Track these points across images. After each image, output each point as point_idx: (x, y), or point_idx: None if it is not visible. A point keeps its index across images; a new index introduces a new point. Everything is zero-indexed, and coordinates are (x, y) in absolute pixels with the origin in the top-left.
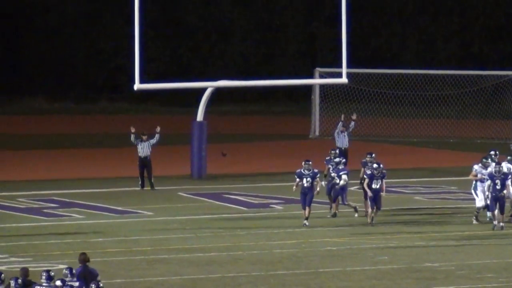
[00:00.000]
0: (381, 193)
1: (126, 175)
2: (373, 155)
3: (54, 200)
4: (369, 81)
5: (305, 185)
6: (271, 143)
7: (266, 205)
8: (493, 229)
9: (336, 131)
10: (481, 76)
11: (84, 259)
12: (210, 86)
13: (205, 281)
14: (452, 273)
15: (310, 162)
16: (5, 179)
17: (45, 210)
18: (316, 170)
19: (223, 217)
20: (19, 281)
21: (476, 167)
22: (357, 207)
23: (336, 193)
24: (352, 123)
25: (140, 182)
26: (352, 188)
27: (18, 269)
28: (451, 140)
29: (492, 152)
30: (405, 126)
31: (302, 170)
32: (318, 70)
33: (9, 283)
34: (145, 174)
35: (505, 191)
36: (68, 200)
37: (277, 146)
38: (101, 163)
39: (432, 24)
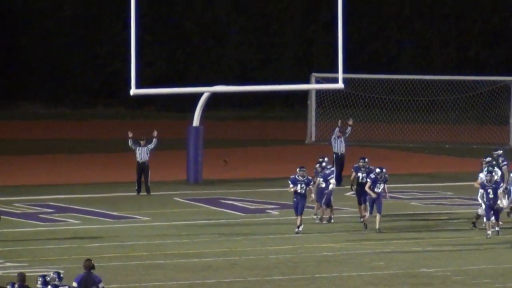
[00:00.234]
0: (386, 197)
1: (122, 180)
2: (366, 160)
3: (50, 205)
4: (366, 87)
5: (299, 191)
6: (267, 149)
7: (262, 211)
8: (487, 238)
9: (333, 136)
10: (477, 81)
11: (88, 265)
12: (206, 91)
13: (201, 287)
14: (448, 279)
15: (305, 169)
16: (1, 184)
17: (41, 215)
18: (310, 177)
19: (219, 223)
20: (16, 286)
21: (481, 175)
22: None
23: (327, 199)
24: (349, 128)
25: (136, 187)
26: (347, 194)
27: (14, 274)
28: (448, 146)
29: (489, 159)
30: (402, 131)
31: (296, 176)
32: (314, 75)
33: None
34: (142, 179)
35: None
36: (64, 205)
37: (273, 151)
38: (97, 168)
39: (429, 29)
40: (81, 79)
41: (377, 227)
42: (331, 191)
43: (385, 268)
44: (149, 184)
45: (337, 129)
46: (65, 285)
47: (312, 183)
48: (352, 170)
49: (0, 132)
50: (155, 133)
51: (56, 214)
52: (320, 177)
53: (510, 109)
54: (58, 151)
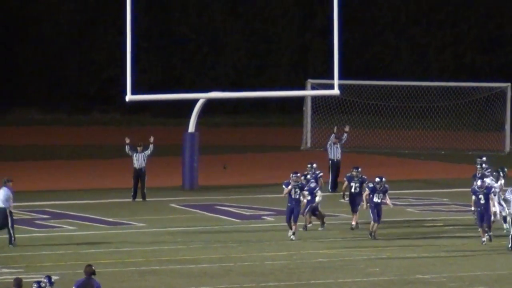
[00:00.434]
0: (390, 205)
1: (117, 186)
2: (359, 169)
3: (46, 211)
4: (361, 93)
5: (293, 196)
6: (263, 155)
7: (258, 217)
8: (482, 244)
9: (329, 143)
10: (473, 87)
11: (89, 271)
12: (202, 97)
13: None
14: (443, 285)
15: (299, 174)
16: None
17: (37, 221)
18: (304, 182)
19: (215, 229)
20: None
21: (488, 180)
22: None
23: (313, 208)
24: (345, 135)
25: (132, 193)
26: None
27: (10, 280)
28: (443, 152)
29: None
30: (397, 137)
31: (290, 181)
32: (310, 81)
33: None
34: (139, 185)
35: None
36: (60, 211)
37: (269, 157)
38: (93, 174)
39: (425, 36)
40: (77, 85)
41: (372, 233)
42: (318, 203)
43: (381, 274)
44: (145, 191)
45: (333, 135)
46: None
47: (305, 188)
48: (345, 179)
49: None
50: (152, 139)
51: (52, 220)
52: (306, 191)
53: (505, 116)
54: (54, 157)
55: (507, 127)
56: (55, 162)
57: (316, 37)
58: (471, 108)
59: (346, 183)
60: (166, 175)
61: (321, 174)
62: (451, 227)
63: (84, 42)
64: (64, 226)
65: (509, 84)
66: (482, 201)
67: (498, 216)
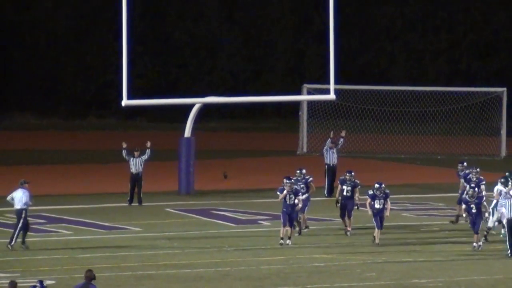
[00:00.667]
0: (387, 213)
1: (114, 191)
2: (352, 173)
3: (42, 215)
4: (357, 98)
5: (288, 202)
6: (259, 160)
7: (254, 221)
8: (478, 249)
9: (325, 147)
10: (469, 93)
11: (89, 276)
12: (198, 102)
13: None
14: None
15: (293, 180)
16: None
17: (33, 226)
18: (299, 188)
19: (211, 233)
20: None
21: (497, 187)
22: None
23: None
24: (341, 140)
25: (128, 198)
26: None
27: (6, 285)
28: (439, 157)
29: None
30: (393, 142)
31: (284, 187)
32: (306, 86)
33: None
34: (135, 190)
35: (486, 215)
36: (56, 215)
37: (265, 162)
38: (89, 179)
39: (420, 41)
40: (73, 90)
41: (376, 241)
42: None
43: (377, 279)
44: (141, 195)
45: (329, 140)
46: None
47: (300, 193)
48: (338, 182)
49: None
50: (149, 144)
51: (48, 225)
52: (291, 193)
53: (501, 121)
54: (50, 161)
55: (503, 132)
56: (51, 167)
57: (312, 42)
58: (467, 113)
59: (339, 186)
60: (162, 179)
61: (311, 179)
62: (447, 232)
63: (80, 47)
64: (61, 230)
65: (505, 89)
66: (474, 210)
67: (490, 222)
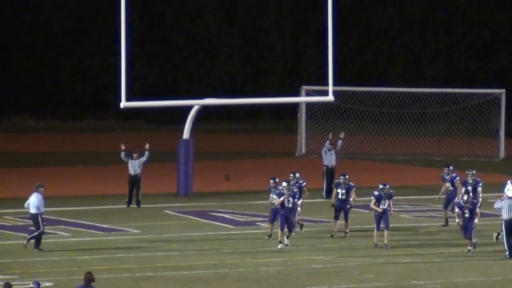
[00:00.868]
0: (390, 212)
1: (112, 193)
2: (346, 176)
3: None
4: (356, 99)
5: (286, 205)
6: (258, 161)
7: (252, 223)
8: (468, 253)
9: (324, 149)
10: (467, 94)
11: (89, 278)
12: (196, 104)
13: None
14: None
15: (277, 180)
16: None
17: (31, 228)
18: (296, 190)
19: (209, 235)
20: None
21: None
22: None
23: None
24: (340, 141)
25: (127, 200)
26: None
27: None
28: (438, 158)
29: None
30: (391, 144)
31: (281, 191)
32: (305, 88)
33: None
34: (133, 191)
35: (476, 221)
36: (54, 217)
37: (264, 164)
38: (88, 181)
39: (419, 43)
40: (71, 92)
41: (385, 242)
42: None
43: (375, 280)
44: (140, 197)
45: (328, 142)
46: None
47: (297, 196)
48: (333, 186)
49: None
50: (147, 146)
51: (46, 227)
52: (273, 194)
53: (499, 122)
54: (48, 163)
55: (502, 133)
56: (49, 169)
57: (310, 44)
58: (465, 115)
59: (335, 190)
60: (160, 181)
61: (305, 183)
62: (445, 234)
63: (78, 49)
64: (59, 232)
65: (503, 90)
66: (467, 215)
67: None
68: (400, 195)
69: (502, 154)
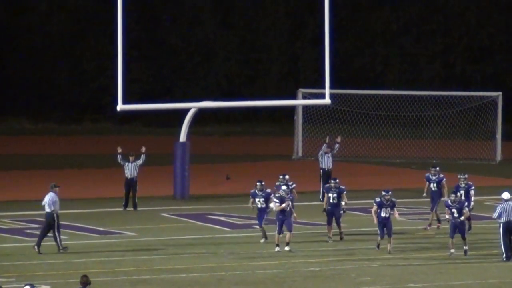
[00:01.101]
0: (396, 217)
1: (109, 195)
2: (337, 180)
3: (37, 220)
4: (352, 102)
5: (259, 206)
6: (254, 164)
7: (248, 226)
8: (449, 256)
9: (320, 152)
10: (464, 97)
11: (85, 281)
12: (193, 107)
13: None
14: None
15: (263, 183)
16: None
17: (28, 231)
18: (268, 190)
19: (206, 238)
20: None
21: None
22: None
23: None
24: (337, 145)
25: (123, 203)
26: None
27: None
28: (434, 161)
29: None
30: (388, 147)
31: (255, 191)
32: (301, 91)
33: None
34: (130, 194)
35: (462, 218)
36: None
37: (260, 167)
38: (84, 183)
39: (415, 45)
40: (68, 94)
41: (388, 248)
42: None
43: (372, 283)
44: (136, 200)
45: (324, 145)
46: None
47: (294, 199)
48: (324, 190)
49: None
50: (143, 149)
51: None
52: (261, 197)
53: (496, 125)
54: (45, 166)
55: (498, 136)
56: (46, 172)
57: (307, 47)
58: (462, 117)
59: (326, 194)
60: (157, 184)
61: (294, 185)
62: (442, 236)
63: (75, 51)
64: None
65: (500, 93)
66: (456, 215)
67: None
68: (397, 198)
69: (499, 157)
